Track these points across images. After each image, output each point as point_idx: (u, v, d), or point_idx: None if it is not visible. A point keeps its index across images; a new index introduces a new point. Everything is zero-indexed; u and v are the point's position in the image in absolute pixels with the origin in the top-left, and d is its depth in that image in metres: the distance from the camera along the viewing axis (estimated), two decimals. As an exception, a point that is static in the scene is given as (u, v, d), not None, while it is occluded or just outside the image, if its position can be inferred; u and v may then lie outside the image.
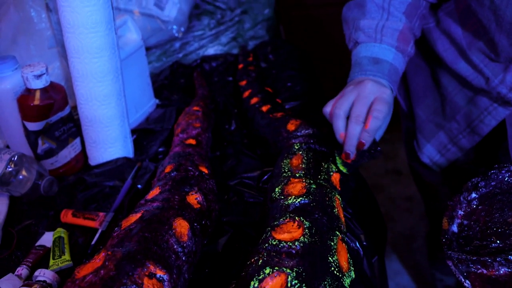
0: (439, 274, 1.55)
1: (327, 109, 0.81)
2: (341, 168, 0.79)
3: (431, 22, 0.98)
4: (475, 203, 0.66)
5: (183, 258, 0.59)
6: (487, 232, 0.62)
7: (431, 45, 0.98)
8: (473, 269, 0.57)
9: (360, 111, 0.76)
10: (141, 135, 1.11)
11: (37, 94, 0.87)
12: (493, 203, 0.65)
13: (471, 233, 0.63)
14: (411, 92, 1.12)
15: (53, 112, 0.89)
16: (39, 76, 0.86)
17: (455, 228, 0.64)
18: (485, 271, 0.56)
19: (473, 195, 0.67)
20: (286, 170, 0.75)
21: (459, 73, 0.92)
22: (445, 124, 1.02)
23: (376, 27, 0.88)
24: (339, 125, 0.77)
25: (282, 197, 0.68)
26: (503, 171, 0.67)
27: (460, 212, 0.66)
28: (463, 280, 0.56)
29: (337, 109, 0.78)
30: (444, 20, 0.94)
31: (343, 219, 0.67)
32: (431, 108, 1.05)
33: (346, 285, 0.55)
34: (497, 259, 0.56)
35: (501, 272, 0.56)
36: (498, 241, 0.61)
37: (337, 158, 0.79)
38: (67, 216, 0.82)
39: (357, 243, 0.74)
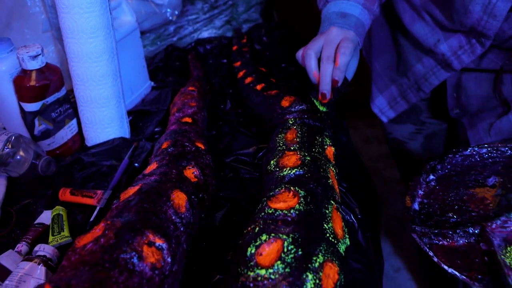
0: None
1: (299, 53, 0.91)
2: (320, 107, 0.86)
3: None
4: (433, 184, 0.72)
5: (181, 229, 0.60)
6: (445, 209, 0.67)
7: (393, 7, 1.07)
8: (435, 241, 0.62)
9: (329, 52, 0.84)
10: (137, 116, 1.11)
11: (33, 75, 0.87)
12: (449, 184, 0.71)
13: (431, 210, 0.68)
14: (372, 47, 1.23)
15: (49, 93, 0.89)
16: (34, 57, 0.86)
17: (416, 206, 0.69)
18: (445, 243, 0.61)
19: (431, 177, 0.72)
20: (281, 144, 0.76)
21: (414, 34, 1.01)
22: (397, 79, 1.14)
23: None
24: (312, 64, 0.86)
25: (277, 169, 0.69)
26: (457, 156, 0.74)
27: (420, 192, 0.71)
28: (427, 250, 0.60)
29: (308, 49, 0.86)
30: None
31: (337, 190, 0.68)
32: (388, 64, 1.16)
33: (341, 251, 0.56)
34: (457, 231, 0.61)
35: (460, 242, 0.61)
36: (455, 216, 0.65)
37: (314, 100, 0.87)
38: (65, 194, 0.83)
39: (351, 216, 0.76)
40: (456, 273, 0.57)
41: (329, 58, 0.83)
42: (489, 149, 0.73)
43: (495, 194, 0.67)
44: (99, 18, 0.87)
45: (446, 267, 0.58)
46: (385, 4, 1.11)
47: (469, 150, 0.74)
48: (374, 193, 0.95)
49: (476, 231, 0.61)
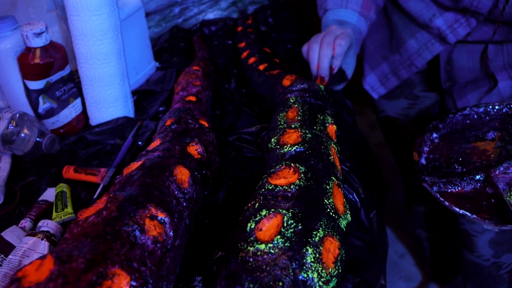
0: (418, 229, 1.61)
1: (304, 48, 0.97)
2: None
3: None
4: (437, 141, 0.79)
5: (184, 204, 0.60)
6: (450, 162, 0.74)
7: None
8: (443, 189, 0.68)
9: (328, 40, 0.91)
10: (141, 96, 1.11)
11: (37, 52, 0.87)
12: (452, 140, 0.78)
13: (437, 164, 0.75)
14: None
15: (53, 71, 0.89)
16: (39, 34, 0.86)
17: (423, 161, 0.76)
18: (454, 190, 0.68)
19: (434, 135, 0.80)
20: (282, 123, 0.76)
21: (409, 10, 1.05)
22: (389, 56, 1.18)
23: None
24: (314, 57, 0.93)
25: (278, 146, 0.69)
26: (457, 115, 0.81)
27: (426, 149, 0.78)
28: (438, 196, 0.67)
29: (313, 43, 0.94)
30: None
31: (339, 167, 0.67)
32: (380, 41, 1.20)
33: (342, 226, 0.56)
34: (464, 178, 0.68)
35: (467, 189, 0.68)
36: (460, 167, 0.73)
37: None
38: (69, 172, 0.83)
39: (354, 195, 0.75)
40: (468, 213, 0.63)
41: (328, 44, 0.90)
42: (486, 108, 0.81)
43: (495, 146, 0.74)
44: (104, -5, 0.87)
45: (457, 209, 0.64)
46: None
47: (467, 109, 0.81)
48: (380, 174, 0.95)
49: (481, 178, 0.68)
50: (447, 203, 0.65)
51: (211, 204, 0.73)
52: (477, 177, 0.68)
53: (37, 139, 0.86)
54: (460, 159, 0.74)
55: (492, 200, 0.65)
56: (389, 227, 1.96)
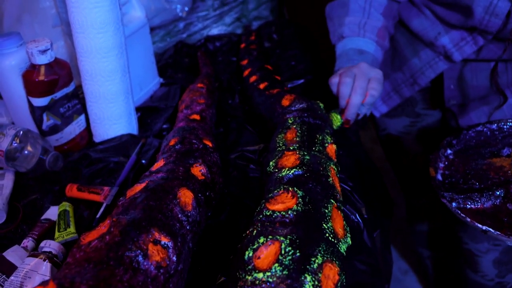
0: (421, 248, 1.60)
1: (334, 80, 0.94)
2: (335, 124, 0.90)
3: None
4: (451, 157, 0.80)
5: (187, 227, 0.59)
6: (468, 177, 0.75)
7: None
8: (462, 206, 0.68)
9: (362, 85, 0.89)
10: (145, 113, 1.11)
11: (42, 70, 0.87)
12: (467, 156, 0.80)
13: (453, 180, 0.75)
14: None
15: (58, 88, 0.89)
16: (44, 52, 0.86)
17: (439, 177, 0.76)
18: (473, 206, 0.68)
19: (449, 151, 0.81)
20: (281, 144, 0.75)
21: (413, 29, 1.06)
22: (391, 74, 1.18)
23: (359, 24, 1.03)
24: (346, 93, 0.90)
25: (276, 170, 0.69)
26: (470, 131, 0.83)
27: (441, 165, 0.79)
28: (459, 212, 0.66)
29: (346, 77, 0.90)
30: None
31: (339, 189, 0.67)
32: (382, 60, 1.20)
33: (342, 251, 0.55)
34: (484, 194, 0.68)
35: (487, 205, 0.68)
36: (477, 183, 0.73)
37: (334, 114, 0.91)
38: (72, 190, 0.82)
39: (357, 215, 0.75)
40: (491, 229, 0.62)
41: (361, 89, 0.89)
42: (498, 124, 0.82)
43: None
44: (109, 13, 0.87)
45: (480, 226, 0.63)
46: None
47: (480, 126, 0.83)
48: (385, 190, 0.95)
49: (501, 194, 0.68)
50: (468, 219, 0.65)
51: (214, 225, 0.73)
52: (497, 193, 0.68)
53: (41, 156, 0.86)
54: (477, 175, 0.75)
55: None
56: (392, 243, 1.94)
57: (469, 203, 0.68)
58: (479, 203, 0.68)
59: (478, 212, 0.67)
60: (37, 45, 0.86)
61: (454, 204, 0.68)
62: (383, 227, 0.80)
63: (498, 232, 0.62)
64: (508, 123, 0.82)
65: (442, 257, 1.52)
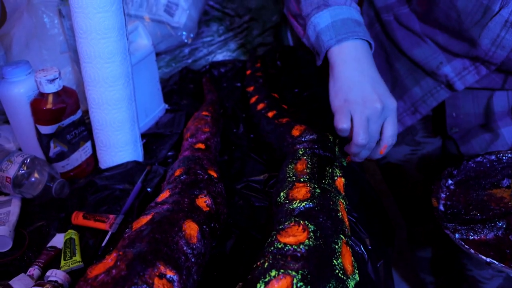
0: (423, 274, 1.59)
1: (345, 125, 0.79)
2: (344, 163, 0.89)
3: (391, 15, 1.10)
4: (452, 187, 0.81)
5: (192, 260, 0.60)
6: (469, 208, 0.75)
7: (390, 34, 1.11)
8: (465, 237, 0.68)
9: (376, 138, 0.81)
10: (150, 139, 1.12)
11: (50, 98, 0.89)
12: (468, 187, 0.80)
13: (455, 210, 0.76)
14: None
15: (65, 116, 0.91)
16: (52, 81, 0.87)
17: (441, 207, 0.77)
18: (476, 238, 0.68)
19: (450, 181, 0.82)
20: (291, 175, 0.76)
21: (414, 58, 1.05)
22: None
23: None
24: (362, 144, 0.79)
25: (287, 201, 0.69)
26: (470, 162, 0.84)
27: (442, 195, 0.79)
28: (462, 244, 0.67)
29: (360, 128, 0.78)
30: (405, 17, 1.06)
31: (347, 223, 0.68)
32: None
33: (350, 287, 0.56)
34: (486, 225, 0.69)
35: (490, 236, 0.68)
36: (479, 214, 0.74)
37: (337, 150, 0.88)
38: (78, 218, 0.83)
39: (361, 247, 0.75)
40: (495, 262, 0.62)
41: (374, 142, 0.82)
42: (497, 155, 0.84)
43: None
44: (116, 43, 0.89)
45: (484, 258, 0.63)
46: (379, 31, 1.15)
47: (480, 157, 0.84)
48: (387, 219, 0.95)
49: (503, 225, 0.68)
50: (472, 251, 0.65)
51: (219, 255, 0.73)
52: (499, 224, 0.68)
53: (47, 183, 0.87)
54: (479, 206, 0.75)
55: None
56: (394, 266, 1.94)
57: (472, 234, 0.68)
58: (481, 234, 0.68)
59: (481, 243, 0.67)
60: (45, 74, 0.87)
61: (457, 235, 0.69)
62: (386, 257, 0.81)
63: (502, 265, 0.62)
64: (507, 154, 0.83)
65: (445, 283, 1.52)
